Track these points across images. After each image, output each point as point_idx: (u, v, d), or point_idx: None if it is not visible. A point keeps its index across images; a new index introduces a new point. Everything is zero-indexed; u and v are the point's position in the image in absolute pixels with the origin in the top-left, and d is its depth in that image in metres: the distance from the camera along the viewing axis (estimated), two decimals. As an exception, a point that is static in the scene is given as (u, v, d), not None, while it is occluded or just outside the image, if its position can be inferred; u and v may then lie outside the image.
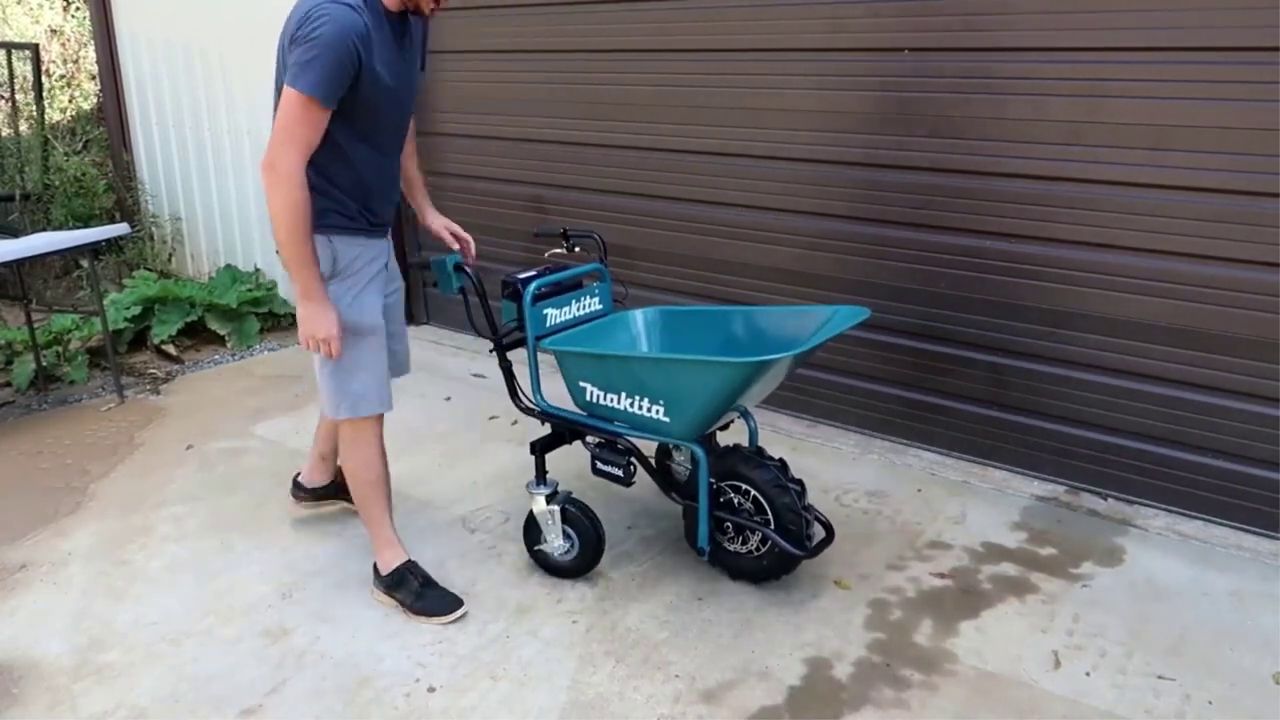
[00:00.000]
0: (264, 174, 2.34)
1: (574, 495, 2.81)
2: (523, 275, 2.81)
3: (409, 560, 2.76)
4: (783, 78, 3.59)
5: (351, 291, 2.56)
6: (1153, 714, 2.28)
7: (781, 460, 2.72)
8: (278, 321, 5.32)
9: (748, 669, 2.44)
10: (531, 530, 2.83)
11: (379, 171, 2.58)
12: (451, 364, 4.53)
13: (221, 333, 5.02)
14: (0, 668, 2.50)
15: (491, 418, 3.70)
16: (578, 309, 2.90)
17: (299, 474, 3.18)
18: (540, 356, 2.81)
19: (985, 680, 2.39)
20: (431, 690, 2.38)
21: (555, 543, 2.79)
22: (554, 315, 2.83)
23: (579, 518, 2.77)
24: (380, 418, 2.69)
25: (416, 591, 2.69)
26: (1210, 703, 2.31)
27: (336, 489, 3.14)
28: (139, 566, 2.95)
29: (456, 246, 2.95)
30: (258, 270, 5.55)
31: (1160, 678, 2.40)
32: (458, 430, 3.80)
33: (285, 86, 2.31)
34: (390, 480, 2.79)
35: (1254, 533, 3.00)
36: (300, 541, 3.07)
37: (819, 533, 2.70)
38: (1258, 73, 2.73)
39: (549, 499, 2.75)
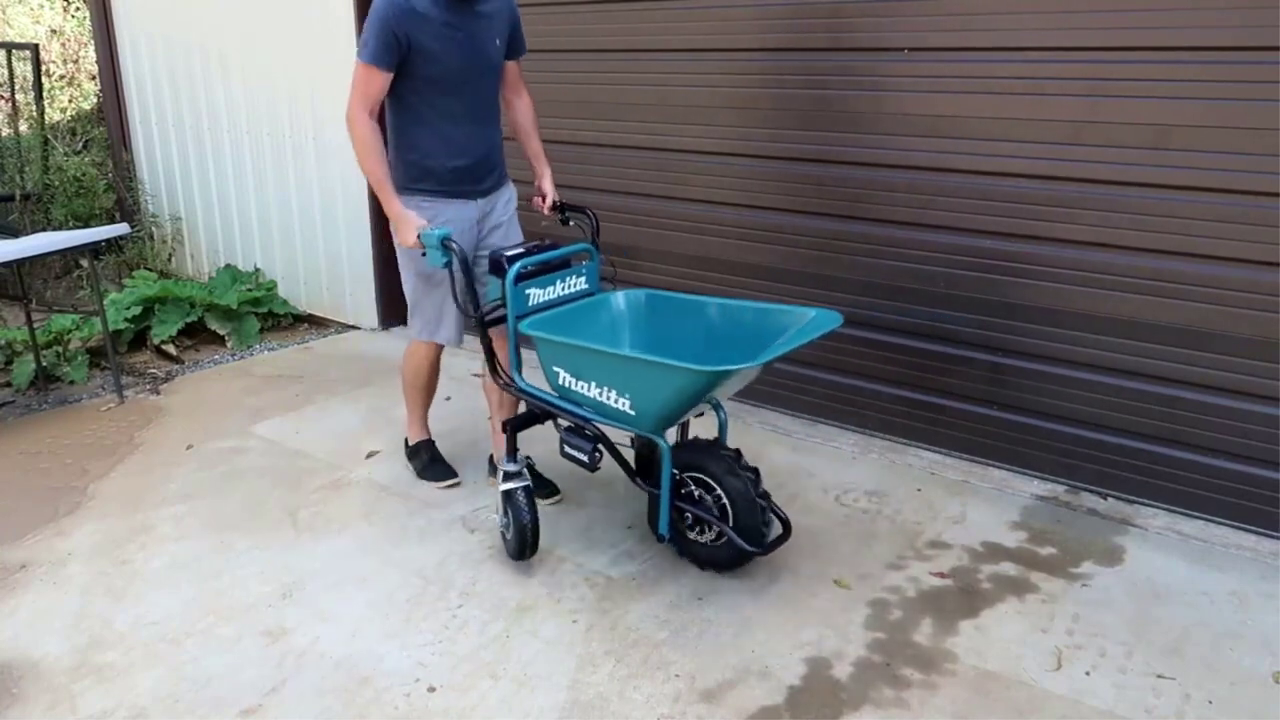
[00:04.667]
0: (346, 123, 2.91)
1: (530, 487, 2.86)
2: (509, 253, 2.85)
3: (428, 439, 3.49)
4: (783, 78, 3.59)
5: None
6: (1153, 714, 2.28)
7: (736, 450, 2.76)
8: (277, 321, 5.32)
9: (748, 669, 2.44)
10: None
11: (456, 137, 3.00)
12: (451, 364, 4.52)
13: (221, 333, 5.02)
14: (0, 668, 2.50)
15: (490, 418, 3.69)
16: (562, 288, 2.93)
17: (492, 455, 3.47)
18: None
19: (985, 680, 2.39)
20: (431, 690, 2.38)
21: (499, 517, 2.93)
22: (537, 295, 2.86)
23: (519, 506, 2.83)
24: (438, 345, 3.26)
25: (425, 463, 3.45)
26: (1210, 702, 2.31)
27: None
28: (139, 566, 2.95)
29: (546, 210, 3.24)
30: (258, 270, 5.55)
31: (1160, 677, 2.40)
32: (457, 430, 3.80)
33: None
34: (435, 388, 3.43)
35: (1254, 532, 3.00)
36: (300, 541, 3.07)
37: (778, 528, 2.76)
38: (1258, 73, 2.73)
39: (508, 477, 2.85)
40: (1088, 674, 2.41)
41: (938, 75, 3.24)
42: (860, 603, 2.70)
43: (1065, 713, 2.28)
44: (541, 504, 3.14)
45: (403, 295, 3.23)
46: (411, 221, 2.89)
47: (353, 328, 5.21)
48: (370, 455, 3.66)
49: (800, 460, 3.57)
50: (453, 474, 3.41)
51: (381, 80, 2.86)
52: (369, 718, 2.30)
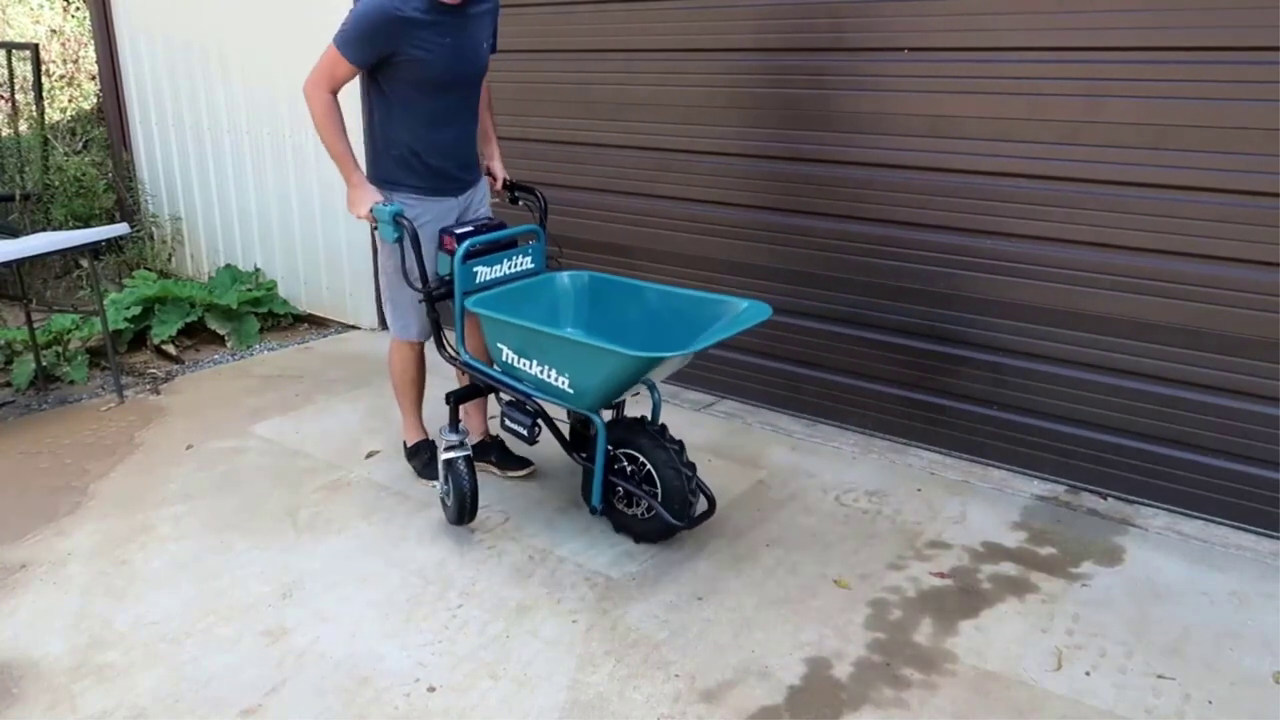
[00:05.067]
0: (304, 94, 2.92)
1: (469, 457, 2.99)
2: (459, 231, 2.95)
3: (425, 439, 3.47)
4: (783, 78, 3.59)
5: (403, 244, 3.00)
6: (1153, 714, 2.28)
7: (662, 425, 2.91)
8: (277, 321, 5.32)
9: (748, 669, 2.44)
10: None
11: (440, 137, 3.02)
12: (448, 364, 4.52)
13: (221, 333, 5.02)
14: (0, 668, 2.50)
15: (490, 418, 3.70)
16: (509, 267, 3.04)
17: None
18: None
19: (985, 680, 2.39)
20: (431, 690, 2.38)
21: (439, 484, 3.07)
22: (484, 273, 2.97)
23: (459, 473, 2.98)
24: (419, 343, 3.28)
25: (425, 462, 3.43)
26: (1210, 702, 2.31)
27: (482, 449, 3.45)
28: (139, 566, 2.95)
29: (496, 188, 3.32)
30: (257, 270, 5.55)
31: (1160, 677, 2.40)
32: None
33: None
34: (424, 383, 3.41)
35: (1254, 532, 3.00)
36: (300, 541, 3.07)
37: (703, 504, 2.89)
38: (1258, 73, 2.73)
39: (449, 447, 2.97)
40: (1088, 674, 2.41)
41: (938, 75, 3.24)
42: (860, 603, 2.70)
43: (1065, 713, 2.28)
44: (519, 479, 3.40)
45: None
46: (366, 194, 2.94)
47: (353, 328, 5.21)
48: (370, 455, 3.66)
49: (800, 460, 3.57)
50: None
51: (348, 71, 2.88)
52: (369, 718, 2.30)
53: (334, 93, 2.90)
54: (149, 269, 5.73)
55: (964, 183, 3.27)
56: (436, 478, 3.34)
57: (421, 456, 3.46)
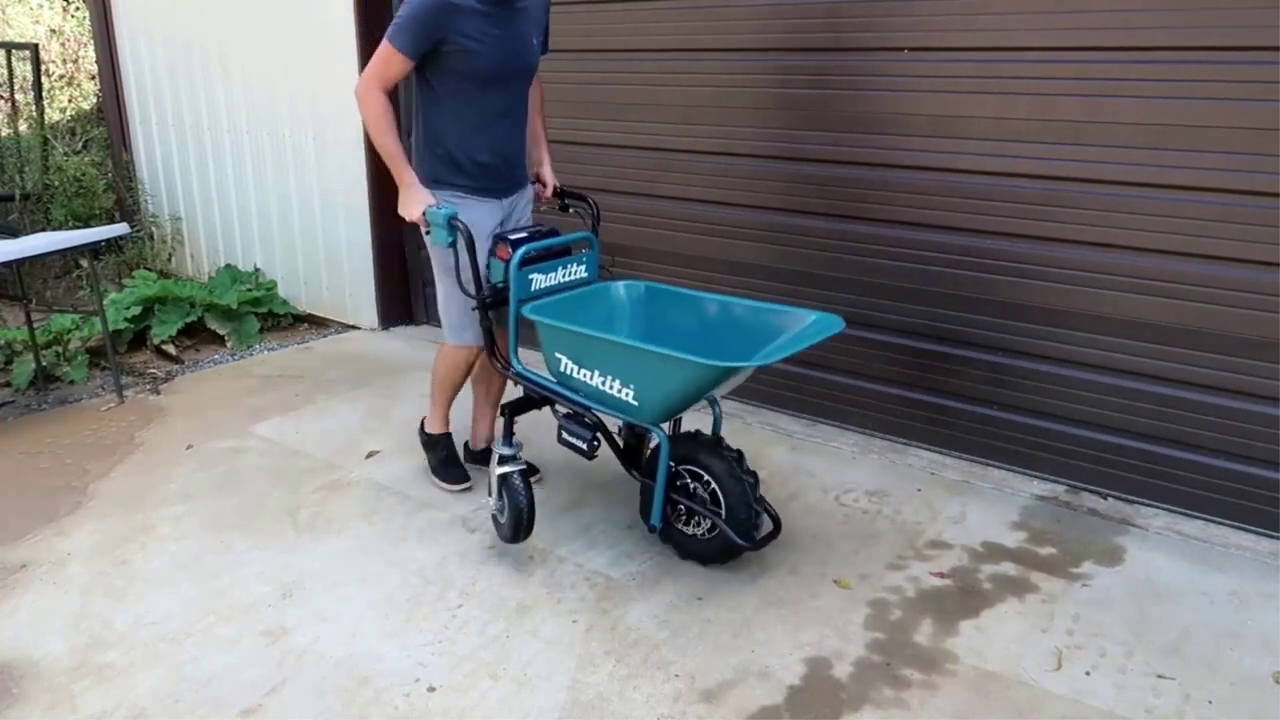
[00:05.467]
0: (356, 96, 2.90)
1: (524, 471, 2.85)
2: (514, 236, 2.87)
3: (448, 434, 3.39)
4: (783, 78, 3.59)
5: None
6: (1153, 714, 2.28)
7: (739, 451, 2.76)
8: (277, 321, 5.32)
9: (748, 669, 2.44)
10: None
11: (487, 134, 2.97)
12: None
13: (221, 333, 5.02)
14: (0, 668, 2.50)
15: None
16: (563, 275, 2.95)
17: (468, 441, 3.53)
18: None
19: (985, 680, 2.39)
20: (431, 690, 2.38)
21: (492, 500, 2.90)
22: (539, 280, 2.88)
23: (515, 489, 2.82)
24: (473, 348, 3.17)
25: (440, 459, 3.38)
26: (1210, 702, 2.31)
27: (488, 455, 3.33)
28: (139, 566, 2.95)
29: (541, 187, 3.25)
30: (257, 270, 5.55)
31: (1160, 677, 2.39)
32: (459, 430, 3.79)
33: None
34: (461, 388, 3.32)
35: (1254, 532, 3.00)
36: (300, 541, 3.07)
37: (768, 525, 2.78)
38: (1258, 73, 2.73)
39: (503, 460, 2.84)
40: (1088, 674, 2.41)
41: (938, 75, 3.24)
42: (860, 603, 2.70)
43: (1065, 713, 2.28)
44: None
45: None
46: (419, 196, 2.88)
47: (353, 328, 5.21)
48: (370, 455, 3.66)
49: (800, 460, 3.57)
50: (466, 477, 3.36)
51: (402, 67, 2.84)
52: (369, 718, 2.30)
53: (387, 92, 2.86)
54: (149, 269, 5.73)
55: (964, 182, 3.27)
56: (449, 481, 3.34)
57: (438, 452, 3.40)
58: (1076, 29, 2.97)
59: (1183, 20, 2.81)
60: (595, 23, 4.04)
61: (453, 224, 2.79)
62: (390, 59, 2.83)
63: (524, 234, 2.90)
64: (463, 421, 3.54)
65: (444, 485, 3.35)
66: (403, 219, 2.95)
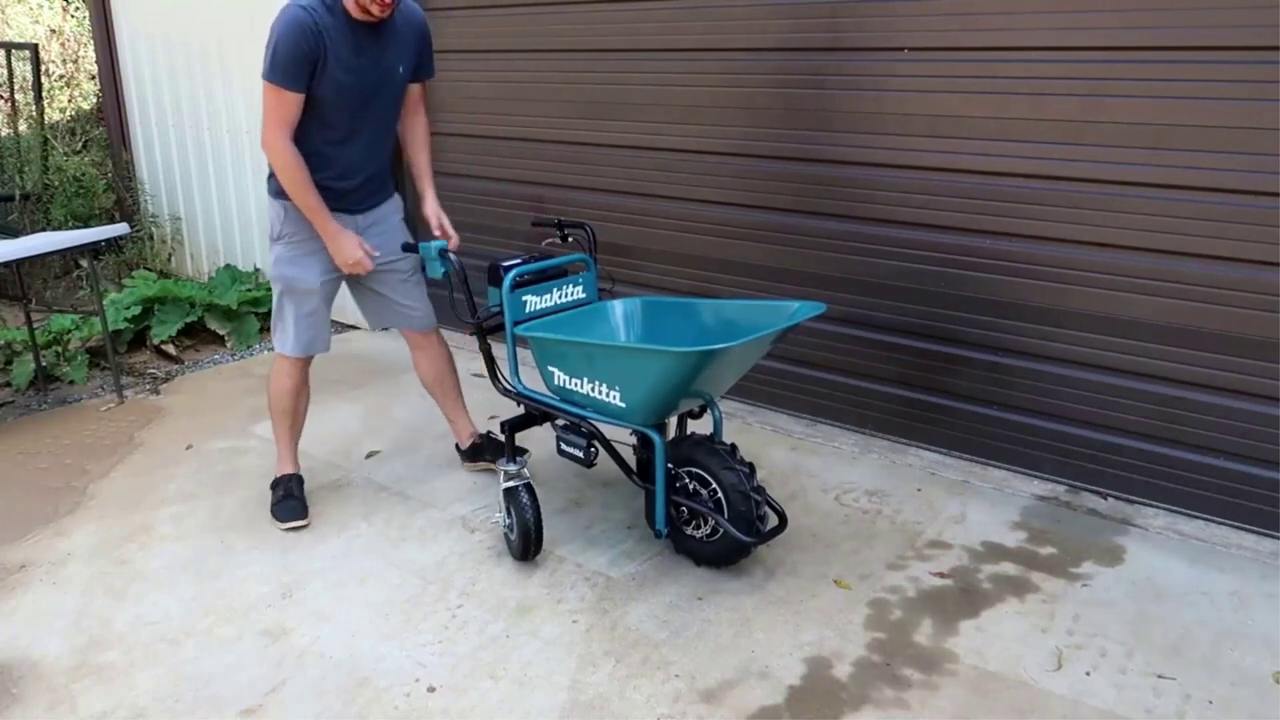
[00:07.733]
0: (265, 149, 2.85)
1: (529, 485, 2.88)
2: (506, 262, 2.92)
3: (291, 474, 3.25)
4: (783, 78, 3.59)
5: (289, 254, 3.04)
6: (1153, 714, 2.28)
7: (731, 445, 2.78)
8: (277, 321, 5.31)
9: (748, 669, 2.44)
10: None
11: (343, 157, 2.96)
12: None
13: (221, 333, 5.02)
14: (0, 668, 2.50)
15: (491, 417, 3.70)
16: (559, 296, 3.00)
17: (458, 444, 3.51)
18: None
19: (985, 680, 2.39)
20: (431, 690, 2.38)
21: (501, 517, 2.95)
22: (533, 302, 2.93)
23: (522, 504, 2.86)
24: (302, 361, 3.16)
25: (279, 498, 3.19)
26: (1210, 702, 2.31)
27: (476, 451, 3.44)
28: (138, 566, 2.95)
29: (439, 235, 3.18)
30: (257, 270, 5.55)
31: (1160, 677, 2.40)
32: (441, 434, 3.80)
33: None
34: (304, 412, 3.26)
35: (1254, 532, 3.00)
36: (300, 541, 3.07)
37: (773, 520, 2.77)
38: (1258, 72, 2.72)
39: (509, 476, 2.88)
40: (1088, 674, 2.41)
41: (938, 75, 3.24)
42: (860, 603, 2.70)
43: (1065, 713, 2.28)
44: None
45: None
46: (347, 241, 2.94)
47: (352, 328, 5.21)
48: (370, 455, 3.66)
49: (800, 460, 3.57)
50: (301, 515, 3.13)
51: (295, 103, 2.80)
52: (369, 718, 2.30)
53: (290, 138, 2.83)
54: (149, 269, 5.73)
55: (964, 182, 3.27)
56: (280, 519, 3.13)
57: (278, 492, 3.21)
58: (1076, 29, 2.97)
59: (1182, 20, 2.81)
60: (595, 23, 4.04)
61: (444, 255, 2.91)
62: (283, 100, 2.79)
63: (517, 260, 2.96)
64: (440, 427, 3.56)
65: (277, 523, 3.14)
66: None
